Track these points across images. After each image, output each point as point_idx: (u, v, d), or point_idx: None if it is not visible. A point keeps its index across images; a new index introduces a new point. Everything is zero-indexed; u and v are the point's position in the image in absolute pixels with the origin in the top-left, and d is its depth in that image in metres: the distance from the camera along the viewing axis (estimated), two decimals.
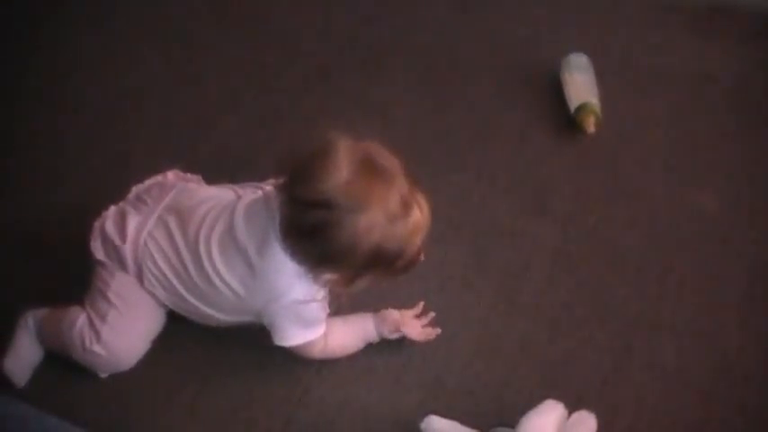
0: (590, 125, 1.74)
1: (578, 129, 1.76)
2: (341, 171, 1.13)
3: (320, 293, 1.27)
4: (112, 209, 1.40)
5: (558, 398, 1.30)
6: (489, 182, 1.69)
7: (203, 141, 1.78)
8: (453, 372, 1.39)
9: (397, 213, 1.14)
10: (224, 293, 1.29)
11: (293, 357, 1.35)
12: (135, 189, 1.43)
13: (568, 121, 1.78)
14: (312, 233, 1.16)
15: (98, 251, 1.37)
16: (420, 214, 1.18)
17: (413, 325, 1.40)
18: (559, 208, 1.65)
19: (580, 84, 1.82)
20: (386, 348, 1.41)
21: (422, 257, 1.47)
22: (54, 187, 1.70)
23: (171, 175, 1.47)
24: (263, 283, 1.23)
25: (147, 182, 1.45)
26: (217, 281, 1.28)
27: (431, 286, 1.50)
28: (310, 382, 1.38)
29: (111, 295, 1.34)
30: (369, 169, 1.14)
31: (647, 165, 1.74)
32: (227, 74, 1.95)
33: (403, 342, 1.41)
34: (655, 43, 2.02)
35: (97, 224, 1.39)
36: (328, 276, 1.22)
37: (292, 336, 1.29)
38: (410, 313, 1.41)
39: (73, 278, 1.42)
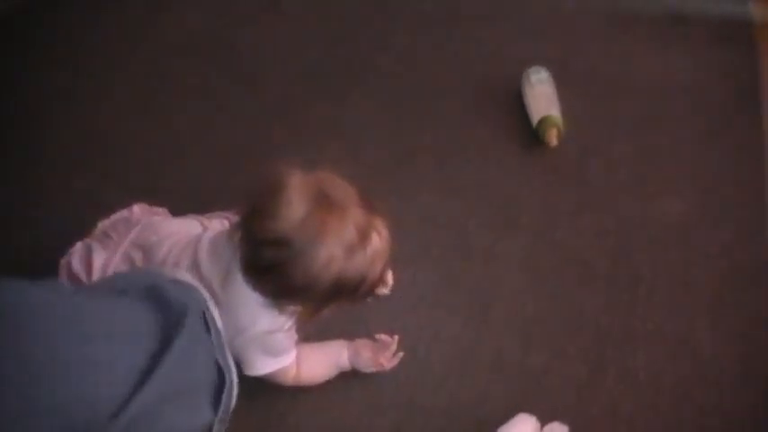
0: (552, 138, 1.76)
1: (541, 142, 1.77)
2: (293, 207, 1.13)
3: (286, 324, 1.27)
4: (78, 245, 1.40)
5: (533, 411, 1.31)
6: (457, 199, 1.70)
7: (172, 173, 1.78)
8: (427, 391, 1.39)
9: (354, 244, 1.14)
10: None
11: (268, 384, 1.34)
12: (101, 225, 1.43)
13: (532, 136, 1.80)
14: (269, 270, 1.16)
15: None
16: (379, 240, 1.18)
17: (387, 360, 1.39)
18: (527, 222, 1.65)
19: (541, 97, 1.83)
20: (358, 372, 1.40)
21: (389, 280, 1.49)
22: (22, 226, 1.69)
23: (137, 208, 1.47)
24: (228, 317, 1.22)
25: (113, 217, 1.44)
26: None
27: (401, 307, 1.50)
28: (286, 408, 1.38)
29: None
30: (321, 203, 1.14)
31: (613, 175, 1.75)
32: (193, 104, 1.95)
33: None
34: (617, 54, 2.05)
35: (63, 261, 1.39)
36: (292, 308, 1.22)
37: (261, 366, 1.29)
38: (387, 354, 1.39)
39: None
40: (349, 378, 1.40)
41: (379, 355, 1.39)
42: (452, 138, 1.83)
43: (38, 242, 1.62)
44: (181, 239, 1.33)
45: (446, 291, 1.53)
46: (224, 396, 1.14)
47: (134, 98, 1.98)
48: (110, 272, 1.33)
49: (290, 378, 1.34)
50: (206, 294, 1.17)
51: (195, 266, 1.27)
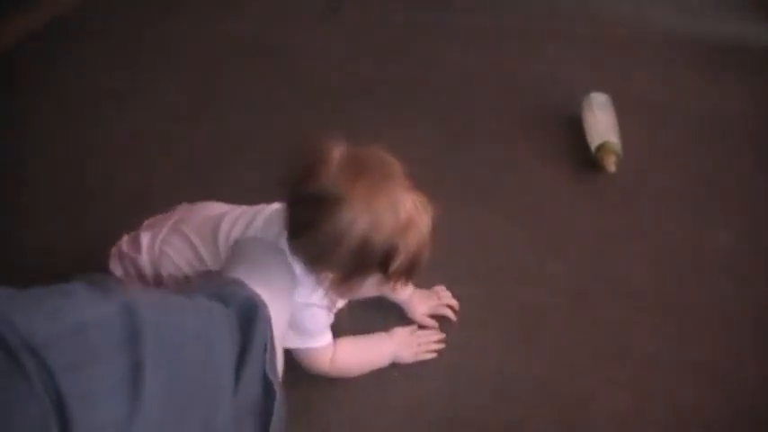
0: (610, 164, 1.75)
1: (598, 168, 1.77)
2: (330, 170, 1.16)
3: (322, 300, 1.29)
4: (126, 236, 1.44)
5: None
6: (507, 219, 1.70)
7: (224, 175, 1.80)
8: (470, 411, 1.39)
9: (383, 209, 1.15)
10: None
11: (309, 394, 1.36)
12: (146, 222, 1.46)
13: (586, 160, 1.80)
14: (303, 229, 1.19)
15: (116, 269, 1.40)
16: (415, 214, 1.18)
17: (429, 347, 1.45)
18: (577, 246, 1.65)
19: (601, 122, 1.83)
20: (403, 385, 1.41)
21: (452, 303, 1.52)
22: (74, 220, 1.72)
23: (180, 207, 1.49)
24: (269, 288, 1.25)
25: (158, 216, 1.47)
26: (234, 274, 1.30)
27: (449, 323, 1.50)
28: (330, 419, 1.39)
29: None
30: (357, 168, 1.17)
31: (664, 204, 1.75)
32: (247, 111, 1.98)
33: (421, 379, 1.42)
34: (672, 81, 2.04)
35: (114, 249, 1.43)
36: (326, 275, 1.23)
37: (288, 339, 1.31)
38: (429, 340, 1.46)
39: None
40: (390, 389, 1.41)
41: (421, 340, 1.44)
42: (505, 157, 1.84)
43: (85, 241, 1.65)
44: (234, 209, 1.38)
45: (492, 311, 1.53)
46: (275, 405, 1.14)
47: (190, 99, 2.02)
48: (158, 245, 1.36)
49: (324, 364, 1.36)
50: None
51: (248, 230, 1.31)
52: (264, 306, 1.14)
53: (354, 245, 1.16)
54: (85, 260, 1.50)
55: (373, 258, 1.18)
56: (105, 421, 0.87)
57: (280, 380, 1.17)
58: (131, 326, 0.94)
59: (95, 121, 1.95)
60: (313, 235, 1.17)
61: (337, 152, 1.18)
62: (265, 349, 1.12)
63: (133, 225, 1.45)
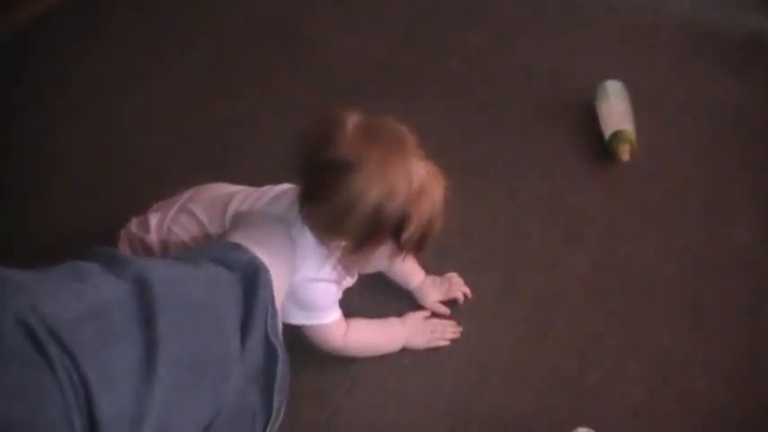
0: (624, 153, 1.74)
1: (612, 157, 1.76)
2: (343, 135, 1.16)
3: (331, 274, 1.29)
4: (134, 219, 1.43)
5: (588, 428, 1.30)
6: (522, 209, 1.69)
7: (237, 158, 1.80)
8: (483, 399, 1.38)
9: (396, 177, 1.15)
10: None
11: (322, 377, 1.36)
12: (155, 205, 1.45)
13: (602, 150, 1.79)
14: (316, 195, 1.19)
15: (125, 250, 1.40)
16: (429, 183, 1.18)
17: (442, 334, 1.45)
18: (592, 237, 1.64)
19: (615, 111, 1.81)
20: (415, 373, 1.41)
21: (464, 290, 1.51)
22: (87, 202, 1.72)
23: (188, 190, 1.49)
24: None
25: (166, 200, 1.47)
26: None
27: (461, 312, 1.50)
28: (340, 405, 1.38)
29: None
30: (371, 136, 1.17)
31: (680, 196, 1.73)
32: (259, 96, 1.96)
33: (434, 367, 1.41)
34: (689, 74, 2.02)
35: (122, 232, 1.43)
36: (338, 244, 1.22)
37: (296, 315, 1.31)
38: (442, 327, 1.46)
39: None
40: (402, 376, 1.40)
41: (435, 328, 1.43)
42: (521, 145, 1.83)
43: (95, 225, 1.62)
44: (243, 190, 1.38)
45: (507, 299, 1.53)
46: (279, 368, 1.15)
47: (203, 82, 2.00)
48: (167, 224, 1.36)
49: (336, 341, 1.35)
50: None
51: (257, 205, 1.32)
52: (266, 270, 1.15)
53: (367, 212, 1.15)
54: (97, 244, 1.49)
55: (386, 226, 1.17)
56: (124, 400, 0.88)
57: (281, 342, 1.18)
58: (145, 301, 0.95)
59: (109, 105, 1.94)
60: (326, 202, 1.17)
61: (351, 120, 1.18)
62: (267, 313, 1.13)
63: (144, 209, 1.45)
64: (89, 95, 1.97)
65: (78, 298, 0.90)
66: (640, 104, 1.86)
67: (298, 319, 1.32)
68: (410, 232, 1.18)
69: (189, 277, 1.08)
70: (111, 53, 2.09)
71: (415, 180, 1.16)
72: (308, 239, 1.25)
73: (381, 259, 1.26)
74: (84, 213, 1.68)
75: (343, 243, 1.21)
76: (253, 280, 1.13)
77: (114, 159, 1.81)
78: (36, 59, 2.06)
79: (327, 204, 1.17)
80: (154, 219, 1.39)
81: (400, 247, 1.22)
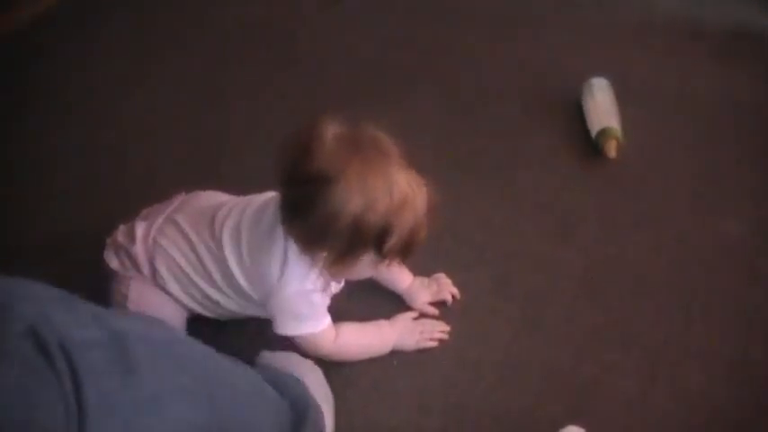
0: (611, 150, 1.74)
1: (600, 153, 1.76)
2: (321, 147, 1.16)
3: (317, 282, 1.28)
4: (121, 226, 1.43)
5: (582, 424, 1.30)
6: (513, 206, 1.69)
7: (227, 161, 1.80)
8: (476, 397, 1.38)
9: (377, 188, 1.15)
10: (235, 279, 1.31)
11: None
12: (144, 211, 1.45)
13: (591, 146, 1.78)
14: (297, 209, 1.19)
15: (111, 260, 1.39)
16: (410, 191, 1.18)
17: (431, 335, 1.44)
18: (584, 233, 1.64)
19: (601, 108, 1.82)
20: (409, 373, 1.41)
21: (452, 290, 1.51)
22: (81, 203, 1.72)
23: (178, 197, 1.49)
24: (263, 271, 1.27)
25: (155, 205, 1.47)
26: (228, 265, 1.31)
27: (453, 310, 1.49)
28: (336, 410, 1.37)
29: (130, 305, 1.36)
30: (351, 146, 1.16)
31: (671, 190, 1.73)
32: (252, 97, 1.97)
33: (427, 367, 1.41)
34: (679, 68, 2.03)
35: (109, 240, 1.42)
36: (321, 255, 1.22)
37: (287, 326, 1.31)
38: (431, 328, 1.45)
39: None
40: (396, 378, 1.40)
41: (424, 328, 1.43)
42: (510, 143, 1.83)
43: (89, 226, 1.62)
44: (229, 201, 1.37)
45: (499, 297, 1.52)
46: None
47: (193, 83, 2.01)
48: (153, 235, 1.36)
49: (325, 347, 1.35)
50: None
51: (242, 221, 1.31)
52: (316, 409, 1.19)
53: (349, 224, 1.15)
54: (91, 246, 1.49)
55: (368, 237, 1.18)
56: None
57: None
58: (177, 355, 0.96)
59: (102, 107, 1.94)
60: (307, 214, 1.17)
61: (331, 131, 1.17)
62: None
63: (138, 212, 1.44)
64: (88, 95, 1.97)
65: (97, 322, 0.88)
66: (630, 100, 1.86)
67: (287, 330, 1.31)
68: (392, 243, 1.19)
69: (230, 369, 1.11)
70: (110, 53, 2.10)
71: (395, 191, 1.16)
72: (292, 250, 1.25)
73: (365, 268, 1.27)
74: (79, 214, 1.69)
75: (326, 254, 1.21)
76: (301, 414, 1.15)
77: (109, 161, 1.81)
78: (36, 59, 2.06)
79: (308, 218, 1.17)
80: (140, 228, 1.38)
81: (383, 257, 1.22)
